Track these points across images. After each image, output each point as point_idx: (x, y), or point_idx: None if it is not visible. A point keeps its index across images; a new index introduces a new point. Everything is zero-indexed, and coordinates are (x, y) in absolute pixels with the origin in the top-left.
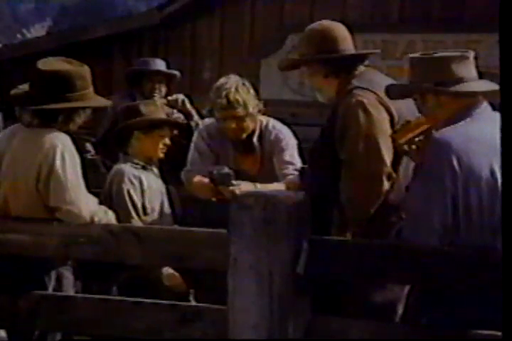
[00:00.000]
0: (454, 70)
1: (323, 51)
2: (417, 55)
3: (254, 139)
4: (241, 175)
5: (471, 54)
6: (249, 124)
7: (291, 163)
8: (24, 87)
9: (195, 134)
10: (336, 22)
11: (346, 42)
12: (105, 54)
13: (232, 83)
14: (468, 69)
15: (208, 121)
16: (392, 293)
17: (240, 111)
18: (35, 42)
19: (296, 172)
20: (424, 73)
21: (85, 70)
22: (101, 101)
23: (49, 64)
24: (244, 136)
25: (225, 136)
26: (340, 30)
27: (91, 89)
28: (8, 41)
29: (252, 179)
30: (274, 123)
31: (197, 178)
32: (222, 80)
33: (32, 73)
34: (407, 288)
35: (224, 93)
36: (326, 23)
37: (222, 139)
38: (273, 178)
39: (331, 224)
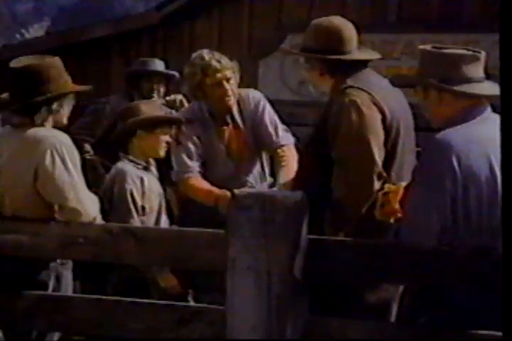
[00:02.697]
0: (462, 69)
1: (326, 49)
2: (428, 47)
3: (234, 111)
4: (230, 154)
5: (483, 55)
6: (235, 90)
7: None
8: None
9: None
10: (344, 20)
11: (351, 43)
12: (104, 54)
13: (209, 51)
14: (476, 70)
15: (180, 114)
16: (387, 292)
17: (231, 73)
18: (34, 42)
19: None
20: (432, 67)
21: (55, 60)
22: (73, 88)
23: (19, 61)
24: (232, 102)
25: (205, 116)
26: (347, 29)
27: (65, 78)
28: (7, 41)
29: (241, 155)
30: (244, 91)
31: (194, 181)
32: (196, 53)
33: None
34: (401, 287)
35: (213, 58)
36: (335, 20)
37: (202, 121)
38: (259, 150)
39: (324, 223)
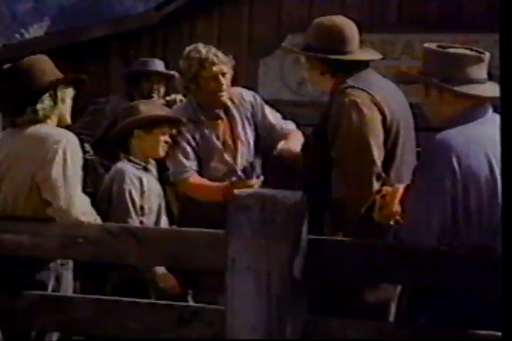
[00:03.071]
0: (464, 69)
1: (327, 49)
2: (432, 46)
3: (227, 106)
4: (225, 148)
5: (487, 56)
6: (229, 85)
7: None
8: None
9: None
10: (346, 19)
11: (353, 43)
12: (103, 54)
13: (205, 45)
14: (479, 71)
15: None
16: (386, 292)
17: (227, 68)
18: (33, 42)
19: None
20: (435, 66)
21: (44, 57)
22: (70, 75)
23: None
24: (226, 96)
25: (197, 111)
26: (349, 29)
27: (59, 72)
28: (6, 41)
29: (236, 149)
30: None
31: (193, 180)
32: (191, 47)
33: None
34: (399, 287)
35: (210, 52)
36: (337, 20)
37: (195, 117)
38: (254, 146)
39: (324, 224)
